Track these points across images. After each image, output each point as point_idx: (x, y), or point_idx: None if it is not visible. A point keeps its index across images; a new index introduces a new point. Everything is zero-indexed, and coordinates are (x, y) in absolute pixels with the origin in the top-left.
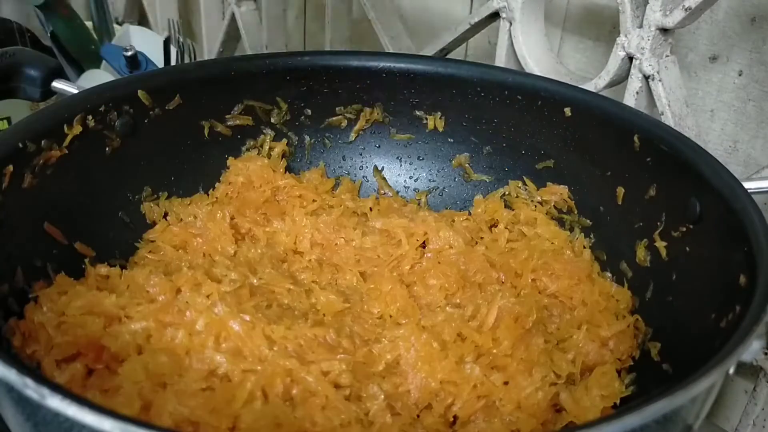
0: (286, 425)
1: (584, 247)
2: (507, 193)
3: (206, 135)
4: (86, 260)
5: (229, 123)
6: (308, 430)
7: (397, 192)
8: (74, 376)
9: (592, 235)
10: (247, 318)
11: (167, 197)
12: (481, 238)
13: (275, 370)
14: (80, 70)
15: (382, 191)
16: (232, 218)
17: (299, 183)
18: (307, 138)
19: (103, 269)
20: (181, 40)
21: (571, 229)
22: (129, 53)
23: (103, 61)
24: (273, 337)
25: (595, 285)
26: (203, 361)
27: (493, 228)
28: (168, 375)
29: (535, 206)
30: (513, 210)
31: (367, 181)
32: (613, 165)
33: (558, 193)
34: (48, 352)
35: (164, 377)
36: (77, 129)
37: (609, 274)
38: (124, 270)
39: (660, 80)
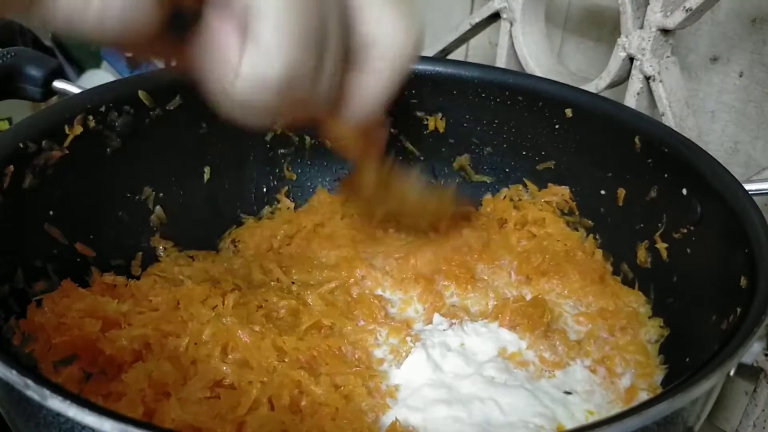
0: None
1: (594, 250)
2: (509, 197)
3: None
4: (93, 268)
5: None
6: None
7: None
8: (70, 379)
9: (591, 237)
10: (257, 328)
11: (166, 199)
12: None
13: (283, 381)
14: (81, 70)
15: None
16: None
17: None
18: (308, 138)
19: (108, 278)
20: None
21: (575, 230)
22: (129, 53)
23: (104, 62)
24: (285, 348)
25: (607, 287)
26: (209, 371)
27: (503, 227)
28: (172, 384)
29: (542, 206)
30: (520, 211)
31: None
32: (614, 166)
33: (559, 194)
34: (46, 353)
35: (167, 386)
36: (78, 129)
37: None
38: (130, 279)
39: (661, 81)
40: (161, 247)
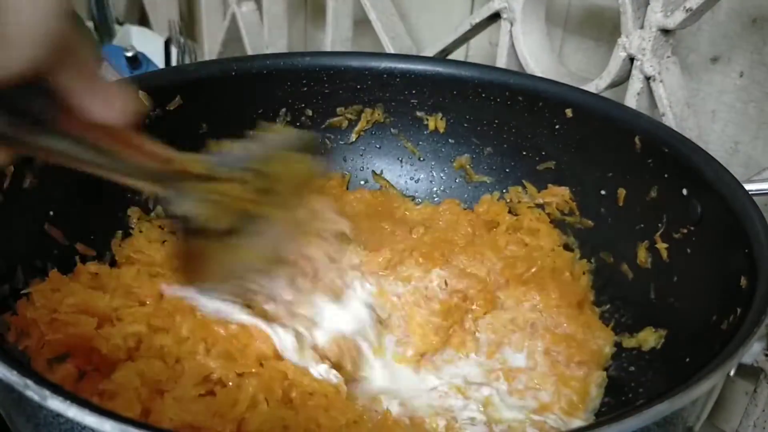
0: (293, 427)
1: (584, 273)
2: (509, 199)
3: None
4: (77, 257)
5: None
6: (314, 431)
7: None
8: (66, 378)
9: (591, 238)
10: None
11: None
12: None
13: (271, 374)
14: None
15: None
16: None
17: None
18: None
19: (93, 267)
20: (181, 40)
21: (573, 232)
22: (129, 53)
23: (104, 62)
24: None
25: (582, 315)
26: (196, 367)
27: (492, 230)
28: (165, 382)
29: (539, 214)
30: (516, 215)
31: (367, 182)
32: (614, 166)
33: (559, 194)
34: (39, 350)
35: (160, 384)
36: None
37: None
38: (114, 268)
39: (661, 81)
40: (135, 218)
